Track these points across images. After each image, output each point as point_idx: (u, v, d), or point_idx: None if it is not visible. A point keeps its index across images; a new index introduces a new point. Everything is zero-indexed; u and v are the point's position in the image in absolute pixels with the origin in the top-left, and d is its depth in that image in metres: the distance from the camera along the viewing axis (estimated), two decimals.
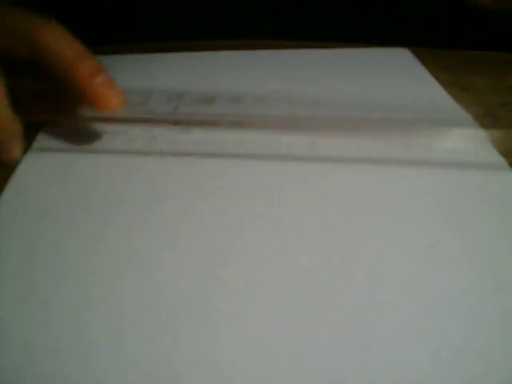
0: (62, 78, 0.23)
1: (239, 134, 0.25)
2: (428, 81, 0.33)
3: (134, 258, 0.19)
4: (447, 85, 0.32)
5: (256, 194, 0.22)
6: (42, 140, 0.27)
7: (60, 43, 0.23)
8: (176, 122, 0.26)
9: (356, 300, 0.18)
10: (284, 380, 0.15)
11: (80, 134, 0.26)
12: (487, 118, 0.29)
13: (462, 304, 0.18)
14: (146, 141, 0.26)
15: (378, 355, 0.16)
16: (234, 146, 0.25)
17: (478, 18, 0.42)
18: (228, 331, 0.17)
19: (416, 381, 0.15)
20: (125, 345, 0.16)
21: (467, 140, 0.26)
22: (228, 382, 0.15)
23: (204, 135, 0.26)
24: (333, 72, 0.33)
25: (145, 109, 0.27)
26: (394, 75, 0.33)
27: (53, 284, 0.18)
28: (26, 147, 0.25)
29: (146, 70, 0.34)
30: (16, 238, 0.20)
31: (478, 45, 0.37)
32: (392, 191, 0.23)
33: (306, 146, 0.25)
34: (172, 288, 0.18)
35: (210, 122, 0.25)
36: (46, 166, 0.24)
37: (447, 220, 0.21)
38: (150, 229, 0.20)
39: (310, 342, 0.16)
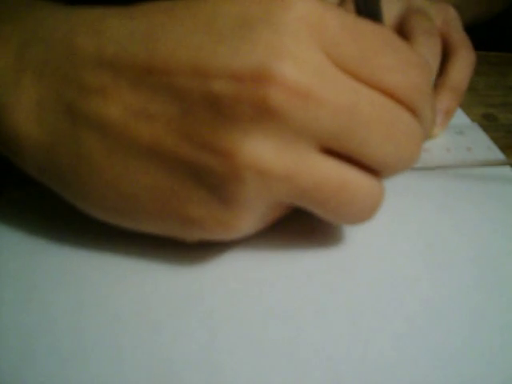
0: None
1: None
2: None
3: (133, 257, 0.19)
4: None
5: None
6: None
7: None
8: None
9: (355, 300, 0.18)
10: (283, 380, 0.15)
11: None
12: (487, 118, 0.29)
13: (462, 303, 0.18)
14: None
15: (377, 355, 0.16)
16: None
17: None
18: (227, 331, 0.17)
19: (416, 381, 0.15)
20: (124, 345, 0.16)
21: (467, 140, 0.26)
22: (227, 381, 0.15)
23: None
24: None
25: None
26: None
27: (52, 284, 0.18)
28: None
29: None
30: (17, 237, 0.20)
31: (478, 45, 0.38)
32: (390, 190, 0.23)
33: None
34: (172, 288, 0.18)
35: None
36: None
37: (446, 219, 0.21)
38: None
39: (309, 341, 0.16)
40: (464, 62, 0.27)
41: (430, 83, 0.17)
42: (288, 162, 0.15)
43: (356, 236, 0.20)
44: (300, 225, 0.21)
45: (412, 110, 0.17)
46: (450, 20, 0.28)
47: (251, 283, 0.18)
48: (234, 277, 0.18)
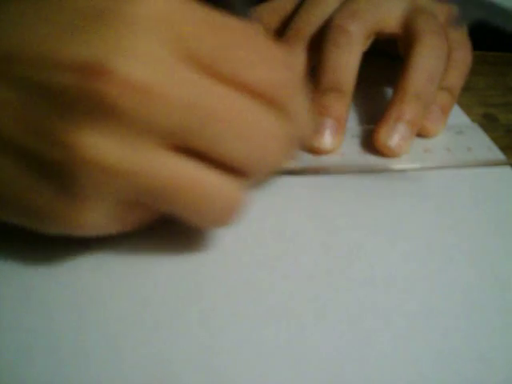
0: None
1: None
2: None
3: (134, 257, 0.19)
4: None
5: (257, 200, 0.22)
6: None
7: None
8: None
9: (355, 300, 0.18)
10: (283, 380, 0.15)
11: None
12: (487, 118, 0.29)
13: (461, 303, 0.18)
14: None
15: (377, 355, 0.16)
16: None
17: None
18: (227, 331, 0.17)
19: (416, 381, 0.15)
20: (123, 345, 0.16)
21: (467, 140, 0.26)
22: (227, 382, 0.15)
23: None
24: None
25: None
26: None
27: (52, 284, 0.18)
28: None
29: None
30: (16, 237, 0.20)
31: (477, 45, 0.38)
32: (391, 190, 0.23)
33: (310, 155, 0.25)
34: (172, 288, 0.18)
35: None
36: None
37: (446, 219, 0.21)
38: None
39: (309, 342, 0.16)
40: (459, 64, 0.27)
41: (296, 81, 0.17)
42: (129, 158, 0.15)
43: (355, 236, 0.20)
44: (300, 225, 0.21)
45: (276, 108, 0.16)
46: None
47: (251, 283, 0.18)
48: (234, 276, 0.18)
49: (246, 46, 0.16)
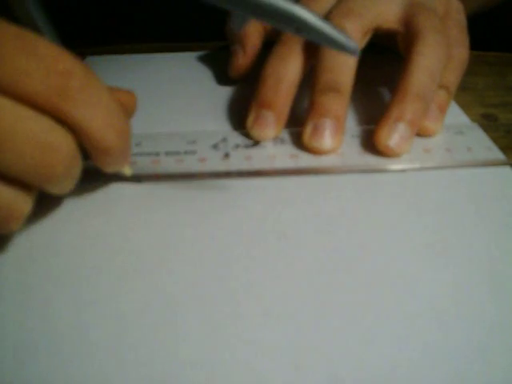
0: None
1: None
2: None
3: (134, 257, 0.19)
4: None
5: (257, 201, 0.22)
6: None
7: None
8: None
9: (355, 299, 0.18)
10: (283, 379, 0.15)
11: None
12: (487, 118, 0.29)
13: (462, 303, 0.18)
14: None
15: (377, 355, 0.16)
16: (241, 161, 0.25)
17: (477, 17, 0.42)
18: (227, 331, 0.17)
19: (416, 381, 0.15)
20: (124, 345, 0.16)
21: (467, 140, 0.26)
22: (226, 381, 0.15)
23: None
24: None
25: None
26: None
27: (53, 284, 0.18)
28: None
29: (143, 70, 0.34)
30: (16, 237, 0.20)
31: (476, 45, 0.37)
32: (390, 190, 0.23)
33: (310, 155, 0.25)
34: (173, 288, 0.18)
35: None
36: None
37: (446, 219, 0.21)
38: (150, 229, 0.20)
39: (309, 341, 0.16)
40: (456, 61, 0.26)
41: (87, 88, 0.16)
42: None
43: (355, 236, 0.20)
44: (300, 225, 0.21)
45: (55, 117, 0.16)
46: (452, 11, 0.28)
47: (251, 282, 0.18)
48: (234, 276, 0.18)
49: (20, 54, 0.16)
